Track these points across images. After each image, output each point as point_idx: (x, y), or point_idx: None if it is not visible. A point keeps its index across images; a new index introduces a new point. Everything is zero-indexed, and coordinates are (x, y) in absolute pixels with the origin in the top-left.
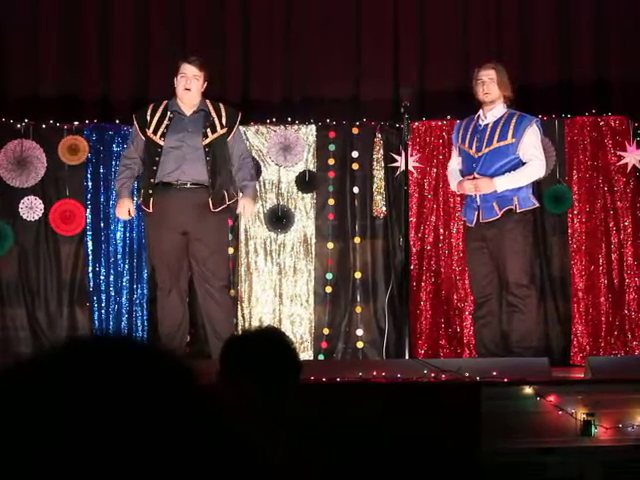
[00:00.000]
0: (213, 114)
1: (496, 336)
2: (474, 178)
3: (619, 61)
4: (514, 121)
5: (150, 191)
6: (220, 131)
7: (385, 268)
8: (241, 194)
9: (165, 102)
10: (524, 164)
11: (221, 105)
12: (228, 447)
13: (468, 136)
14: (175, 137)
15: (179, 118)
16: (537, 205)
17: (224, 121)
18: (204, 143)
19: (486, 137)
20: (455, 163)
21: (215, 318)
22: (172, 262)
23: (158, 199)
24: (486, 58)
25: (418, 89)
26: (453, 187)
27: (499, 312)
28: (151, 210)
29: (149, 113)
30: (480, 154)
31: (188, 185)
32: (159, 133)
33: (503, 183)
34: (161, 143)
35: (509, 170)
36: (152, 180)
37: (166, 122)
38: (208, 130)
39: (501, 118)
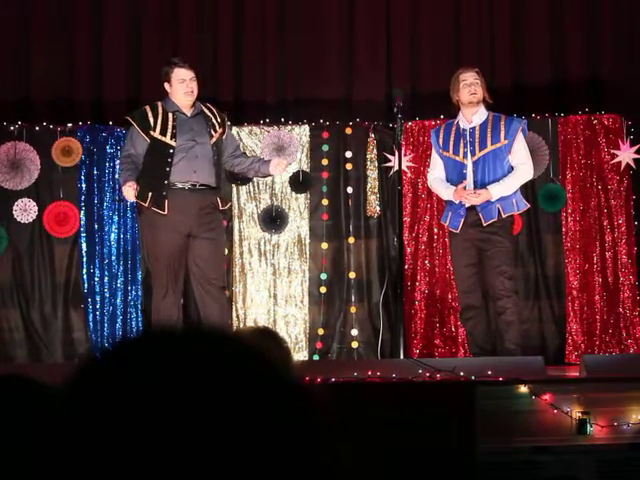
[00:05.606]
0: (209, 114)
1: (488, 334)
2: (475, 188)
3: (612, 59)
4: (503, 122)
5: (164, 193)
6: (219, 130)
7: (379, 268)
8: (264, 164)
9: (160, 103)
10: (512, 167)
11: (210, 106)
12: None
13: (451, 143)
14: (186, 136)
15: (182, 118)
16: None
17: (219, 120)
18: (212, 142)
19: (477, 141)
20: (437, 172)
21: (213, 318)
22: (175, 264)
23: (170, 201)
24: (478, 57)
25: (411, 89)
26: (447, 196)
27: (486, 309)
28: (166, 212)
29: (150, 115)
30: (475, 158)
31: (197, 186)
32: (168, 134)
33: (497, 191)
34: (173, 144)
35: (506, 174)
36: (166, 182)
37: (172, 122)
38: (211, 130)
39: (487, 120)
